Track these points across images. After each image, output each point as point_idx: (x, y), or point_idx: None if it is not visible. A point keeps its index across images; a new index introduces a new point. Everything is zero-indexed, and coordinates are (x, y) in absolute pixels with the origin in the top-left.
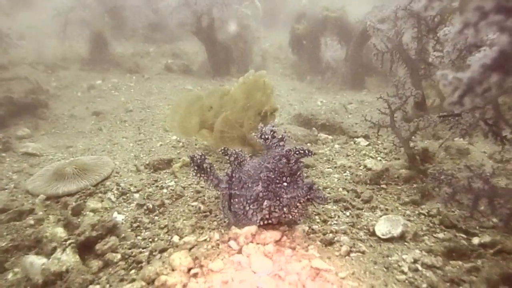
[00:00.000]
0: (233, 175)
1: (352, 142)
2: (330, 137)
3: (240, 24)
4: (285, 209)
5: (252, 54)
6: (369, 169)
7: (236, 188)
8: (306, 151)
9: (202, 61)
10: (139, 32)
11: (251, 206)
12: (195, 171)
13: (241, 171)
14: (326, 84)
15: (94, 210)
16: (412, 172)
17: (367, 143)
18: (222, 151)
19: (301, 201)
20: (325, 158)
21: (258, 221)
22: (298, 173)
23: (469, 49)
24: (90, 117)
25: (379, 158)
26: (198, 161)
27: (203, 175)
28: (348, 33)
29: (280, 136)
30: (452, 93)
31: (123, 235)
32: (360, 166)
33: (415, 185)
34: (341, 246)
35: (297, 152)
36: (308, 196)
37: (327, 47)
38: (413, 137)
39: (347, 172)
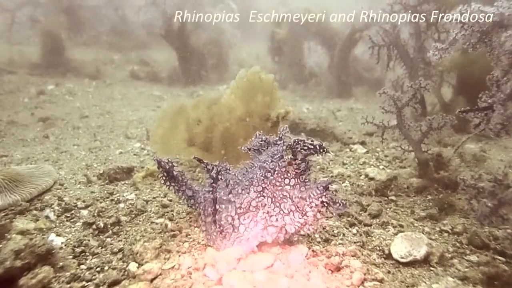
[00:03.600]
0: (219, 176)
1: (347, 150)
2: None
3: (215, 28)
4: (287, 218)
5: (228, 61)
6: (372, 178)
7: (222, 193)
8: (317, 147)
9: (172, 68)
10: (103, 38)
11: (241, 220)
12: (164, 178)
13: (228, 176)
14: (311, 92)
15: (23, 232)
16: (425, 181)
17: (365, 150)
18: (196, 158)
19: (314, 204)
20: (318, 166)
21: (254, 238)
22: (306, 174)
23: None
24: (35, 124)
25: (381, 167)
26: (167, 166)
27: (173, 184)
28: (332, 38)
29: (278, 137)
30: None
31: (60, 264)
32: (360, 175)
33: (429, 197)
34: (351, 272)
35: (305, 147)
36: (323, 199)
37: (311, 52)
38: (424, 139)
39: (347, 182)
